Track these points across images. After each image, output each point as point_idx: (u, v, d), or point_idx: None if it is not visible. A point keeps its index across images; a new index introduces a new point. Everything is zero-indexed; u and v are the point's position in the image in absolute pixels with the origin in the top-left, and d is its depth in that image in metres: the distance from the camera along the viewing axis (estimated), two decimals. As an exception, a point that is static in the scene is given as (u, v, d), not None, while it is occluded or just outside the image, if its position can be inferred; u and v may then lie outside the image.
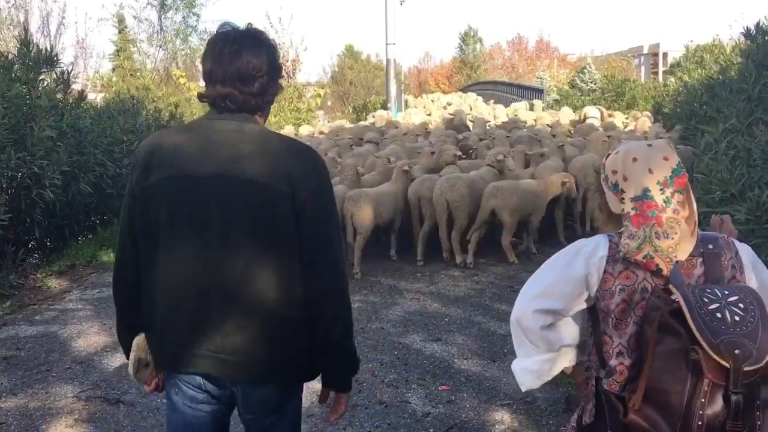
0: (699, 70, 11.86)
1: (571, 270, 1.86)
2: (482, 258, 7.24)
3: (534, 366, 1.97)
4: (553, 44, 54.43)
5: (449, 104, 21.31)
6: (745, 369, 1.57)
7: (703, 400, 1.60)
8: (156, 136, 2.13)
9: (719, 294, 1.65)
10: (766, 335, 1.60)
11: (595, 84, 32.62)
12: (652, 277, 1.78)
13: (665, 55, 47.82)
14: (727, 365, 1.57)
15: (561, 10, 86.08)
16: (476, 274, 6.72)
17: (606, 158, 1.93)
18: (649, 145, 1.86)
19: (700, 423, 1.60)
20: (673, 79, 18.72)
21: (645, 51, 50.87)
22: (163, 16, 24.84)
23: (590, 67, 35.81)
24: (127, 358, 2.17)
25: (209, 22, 34.13)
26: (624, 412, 1.75)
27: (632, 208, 1.81)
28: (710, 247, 1.81)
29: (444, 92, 30.40)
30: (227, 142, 1.99)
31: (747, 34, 5.37)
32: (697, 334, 1.59)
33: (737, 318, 1.61)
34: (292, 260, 2.00)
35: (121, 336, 2.20)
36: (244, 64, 1.99)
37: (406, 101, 25.08)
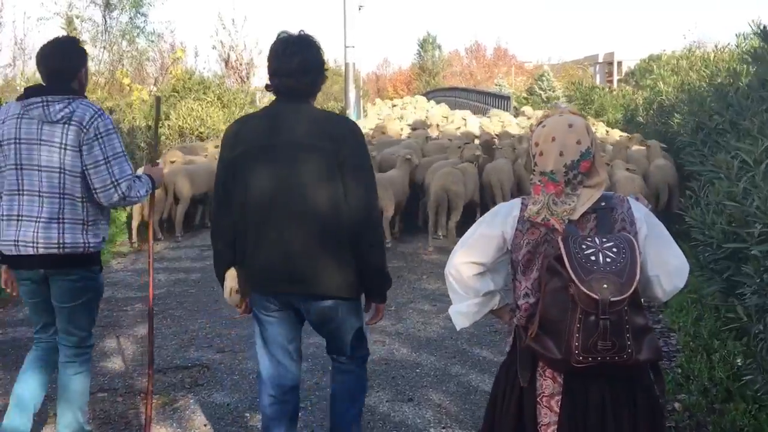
0: (674, 77, 11.26)
1: (491, 229, 2.24)
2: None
3: (464, 309, 2.33)
4: (511, 52, 54.45)
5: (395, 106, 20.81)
6: (612, 300, 1.92)
7: (578, 325, 1.95)
8: (239, 120, 2.91)
9: (597, 242, 2.01)
10: (633, 273, 1.95)
11: (553, 91, 32.36)
12: (551, 232, 2.13)
13: (620, 63, 48.23)
14: (596, 297, 1.92)
15: (518, 18, 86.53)
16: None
17: (536, 127, 2.24)
18: (570, 126, 2.15)
19: (577, 344, 1.96)
20: (629, 88, 18.24)
21: (600, 60, 51.28)
22: (108, 16, 23.44)
23: (548, 74, 35.60)
24: (221, 288, 2.90)
25: (158, 23, 32.63)
26: (524, 340, 2.14)
27: (538, 180, 2.16)
28: (603, 204, 2.15)
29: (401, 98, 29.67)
30: (289, 119, 2.73)
31: (763, 34, 4.62)
32: (571, 274, 1.96)
33: (608, 260, 1.97)
34: (340, 204, 2.67)
35: (218, 271, 2.90)
36: (301, 61, 2.71)
37: (365, 108, 24.22)
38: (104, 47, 23.26)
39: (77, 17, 22.20)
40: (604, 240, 2.03)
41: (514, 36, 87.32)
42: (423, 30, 66.83)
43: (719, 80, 6.85)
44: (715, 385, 4.10)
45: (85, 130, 3.01)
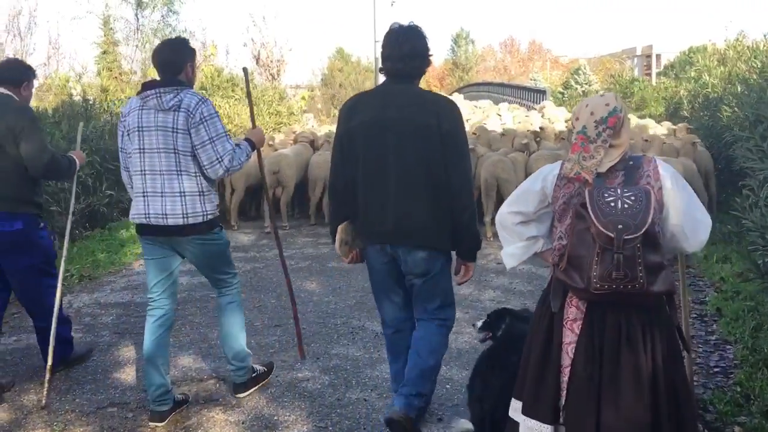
0: (720, 68, 10.70)
1: (534, 185, 2.69)
2: (488, 294, 6.01)
3: (512, 251, 2.78)
4: (546, 46, 53.55)
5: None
6: (626, 237, 2.32)
7: (597, 258, 2.36)
8: (354, 97, 3.53)
9: (619, 192, 2.41)
10: (645, 216, 2.34)
11: (590, 85, 31.55)
12: (583, 186, 2.53)
13: (658, 56, 47.09)
14: (612, 235, 2.32)
15: (553, 12, 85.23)
16: (480, 317, 5.47)
17: (575, 108, 2.72)
18: (602, 96, 2.64)
19: (595, 274, 2.36)
20: (669, 80, 17.52)
21: (638, 53, 50.21)
22: (140, 14, 23.49)
23: (585, 68, 34.74)
24: (333, 242, 3.51)
25: (189, 20, 32.65)
26: (556, 273, 2.60)
27: (574, 139, 2.58)
28: (631, 163, 2.56)
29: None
30: (398, 97, 3.27)
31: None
32: (591, 216, 2.37)
33: (626, 205, 2.36)
34: (440, 170, 3.20)
35: (333, 225, 3.49)
36: (411, 48, 3.27)
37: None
38: (136, 46, 23.31)
39: (110, 15, 22.25)
40: (625, 191, 2.41)
41: (549, 30, 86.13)
42: (456, 25, 66.19)
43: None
44: (779, 406, 3.68)
45: (192, 116, 3.54)
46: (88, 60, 22.85)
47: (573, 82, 33.14)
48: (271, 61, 22.35)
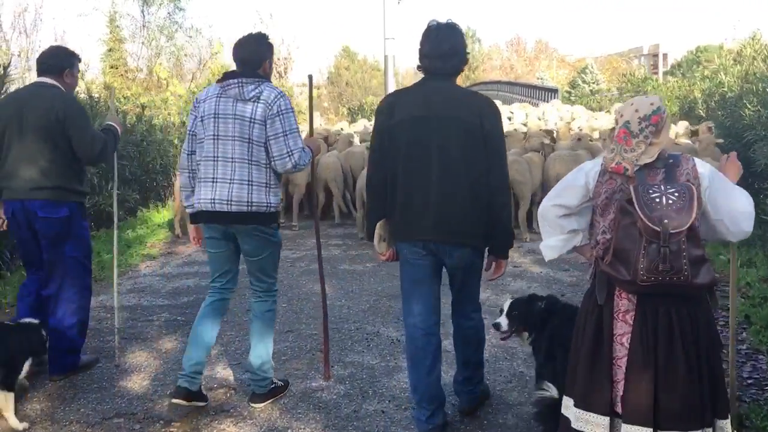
0: (737, 67, 10.49)
1: (576, 180, 2.80)
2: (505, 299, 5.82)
3: (553, 243, 2.87)
4: (552, 45, 53.38)
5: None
6: (671, 231, 2.43)
7: (643, 251, 2.46)
8: (393, 94, 3.59)
9: (662, 188, 2.52)
10: (690, 211, 2.45)
11: (597, 84, 31.28)
12: (625, 182, 2.64)
13: (665, 55, 46.79)
14: (658, 229, 2.43)
15: (559, 10, 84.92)
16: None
17: (619, 106, 2.85)
18: (646, 96, 2.81)
19: (642, 266, 2.46)
20: (677, 79, 17.27)
21: (645, 52, 49.98)
22: (146, 11, 23.30)
23: (592, 67, 34.47)
24: (370, 240, 3.56)
25: (196, 17, 32.40)
26: (601, 266, 2.66)
27: (617, 132, 2.69)
28: (671, 161, 2.67)
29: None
30: (439, 95, 3.29)
31: None
32: (638, 212, 2.47)
33: (671, 201, 2.46)
34: (481, 168, 3.24)
35: (370, 222, 3.54)
36: (449, 45, 3.32)
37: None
38: (143, 43, 23.13)
39: (116, 12, 22.08)
40: (668, 187, 2.52)
41: (556, 29, 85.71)
42: (463, 24, 65.97)
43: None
44: (820, 421, 3.49)
45: (270, 108, 3.59)
46: (91, 57, 22.64)
47: (580, 81, 32.88)
48: (278, 59, 22.17)
